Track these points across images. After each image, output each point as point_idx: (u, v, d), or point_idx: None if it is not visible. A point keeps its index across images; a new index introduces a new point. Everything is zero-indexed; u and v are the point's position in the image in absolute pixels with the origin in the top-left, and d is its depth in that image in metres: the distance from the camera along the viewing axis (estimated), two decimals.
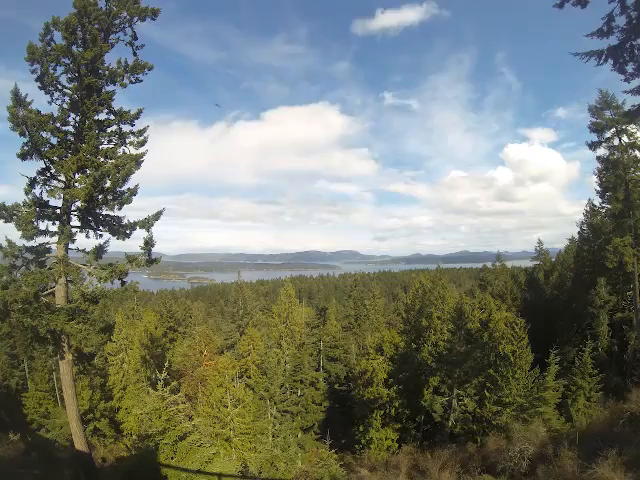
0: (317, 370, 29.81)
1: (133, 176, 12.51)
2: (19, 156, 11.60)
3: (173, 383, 15.55)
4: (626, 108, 18.64)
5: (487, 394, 20.31)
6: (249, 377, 27.83)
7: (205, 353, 28.67)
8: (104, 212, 12.99)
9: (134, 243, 12.85)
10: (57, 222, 12.35)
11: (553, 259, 40.12)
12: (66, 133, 12.34)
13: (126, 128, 13.11)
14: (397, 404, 22.76)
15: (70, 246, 12.62)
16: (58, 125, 12.10)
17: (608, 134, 22.76)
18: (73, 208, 12.51)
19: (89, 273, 12.66)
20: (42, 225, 12.06)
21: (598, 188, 25.06)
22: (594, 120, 22.93)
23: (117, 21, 12.39)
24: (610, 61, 10.32)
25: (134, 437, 18.12)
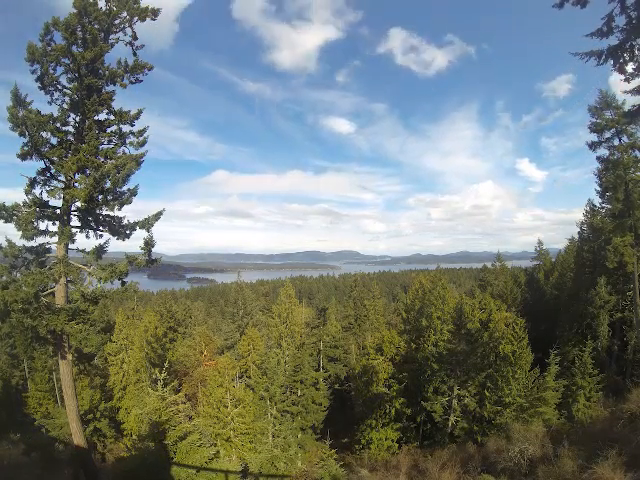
0: (317, 370, 29.75)
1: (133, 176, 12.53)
2: (19, 156, 11.58)
3: (173, 383, 15.58)
4: (626, 108, 18.61)
5: (487, 394, 20.33)
6: (249, 377, 27.82)
7: (205, 353, 28.67)
8: (104, 212, 12.99)
9: (134, 243, 12.85)
10: (57, 222, 12.35)
11: (553, 259, 40.19)
12: (66, 133, 12.33)
13: (126, 128, 13.13)
14: (397, 404, 22.75)
15: (70, 246, 12.61)
16: (58, 125, 12.10)
17: (608, 134, 22.74)
18: (73, 208, 12.51)
19: (89, 273, 12.66)
20: (42, 225, 12.07)
21: (598, 188, 25.10)
22: (594, 120, 22.87)
23: (117, 21, 12.40)
24: (610, 61, 10.32)
25: (134, 437, 18.11)
